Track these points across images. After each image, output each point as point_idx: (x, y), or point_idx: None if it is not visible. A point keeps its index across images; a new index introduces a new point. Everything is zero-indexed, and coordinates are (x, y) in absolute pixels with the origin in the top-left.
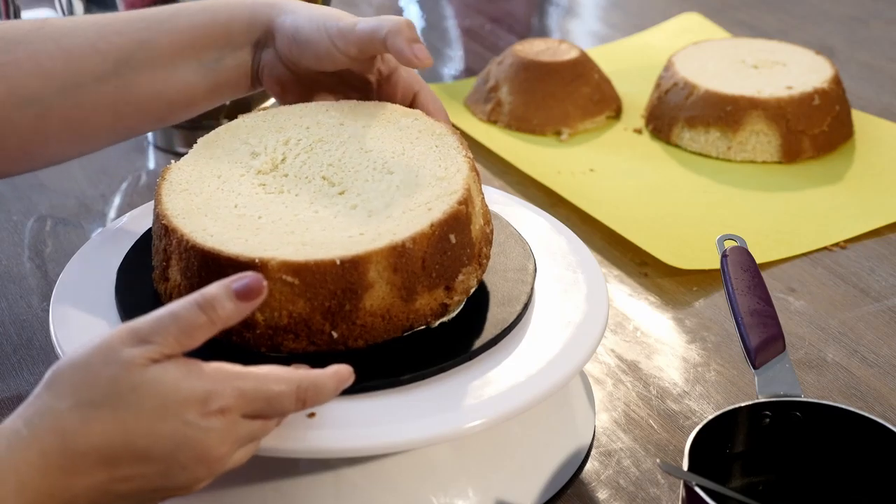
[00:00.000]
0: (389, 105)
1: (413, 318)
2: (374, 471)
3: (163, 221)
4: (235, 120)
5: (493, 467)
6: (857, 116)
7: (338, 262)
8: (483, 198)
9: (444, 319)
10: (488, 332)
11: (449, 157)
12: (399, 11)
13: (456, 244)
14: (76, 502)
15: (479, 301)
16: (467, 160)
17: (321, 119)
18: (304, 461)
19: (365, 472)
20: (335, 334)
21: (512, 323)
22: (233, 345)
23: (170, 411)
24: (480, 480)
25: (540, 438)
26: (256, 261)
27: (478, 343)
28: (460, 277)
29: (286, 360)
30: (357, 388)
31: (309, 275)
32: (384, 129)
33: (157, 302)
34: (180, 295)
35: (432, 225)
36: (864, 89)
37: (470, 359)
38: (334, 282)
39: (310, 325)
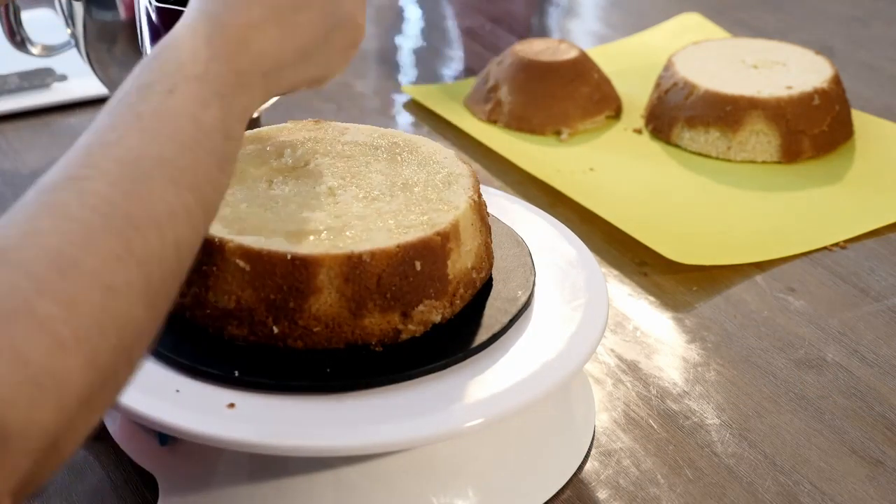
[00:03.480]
0: (430, 143)
1: (359, 335)
2: (373, 470)
3: None
4: (284, 123)
5: (493, 467)
6: (857, 116)
7: (288, 257)
8: (485, 245)
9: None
10: (487, 330)
11: (455, 195)
12: (399, 11)
13: (421, 272)
14: (262, 59)
15: (479, 300)
16: (471, 202)
17: (361, 139)
18: (303, 460)
19: (364, 471)
20: (276, 329)
21: (510, 321)
22: (186, 321)
23: None
24: (480, 480)
25: (540, 438)
26: (216, 240)
27: (477, 341)
28: (420, 308)
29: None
30: (355, 385)
31: (259, 263)
32: (412, 160)
33: None
34: None
35: (398, 246)
36: (864, 89)
37: (469, 357)
38: (282, 276)
39: (253, 315)
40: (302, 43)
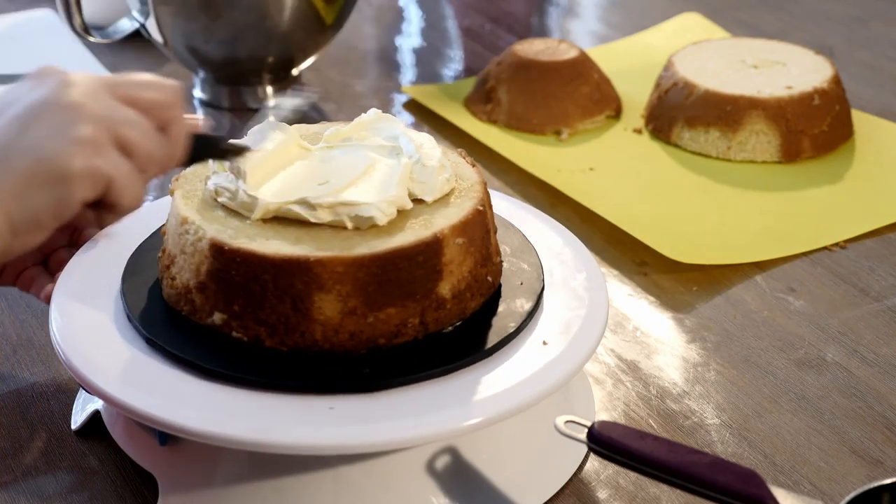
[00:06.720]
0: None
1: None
2: (373, 469)
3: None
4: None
5: (493, 467)
6: (857, 116)
7: (480, 208)
8: None
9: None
10: (494, 336)
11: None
12: (399, 11)
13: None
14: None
15: (484, 306)
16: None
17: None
18: (302, 459)
19: (364, 470)
20: (490, 279)
21: (516, 329)
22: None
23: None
24: (480, 480)
25: (540, 438)
26: (437, 234)
27: (480, 348)
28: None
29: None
30: (357, 389)
31: (471, 229)
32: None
33: (164, 302)
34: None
35: (478, 205)
36: (864, 89)
37: (477, 361)
38: (482, 227)
39: (476, 278)
40: None
